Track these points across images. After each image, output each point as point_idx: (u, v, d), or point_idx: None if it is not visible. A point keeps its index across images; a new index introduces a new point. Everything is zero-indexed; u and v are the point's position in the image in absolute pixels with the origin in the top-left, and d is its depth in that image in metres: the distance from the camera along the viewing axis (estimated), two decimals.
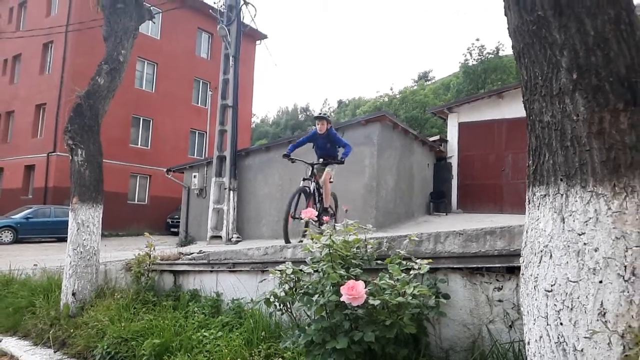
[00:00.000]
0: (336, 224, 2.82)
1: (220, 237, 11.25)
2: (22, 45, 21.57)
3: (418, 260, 2.34)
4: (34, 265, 6.63)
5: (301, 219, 4.62)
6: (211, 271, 4.11)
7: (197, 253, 4.60)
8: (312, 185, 5.71)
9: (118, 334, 3.76)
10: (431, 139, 15.83)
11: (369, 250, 2.72)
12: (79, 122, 5.29)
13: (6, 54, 23.32)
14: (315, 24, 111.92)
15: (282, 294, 2.53)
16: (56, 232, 15.63)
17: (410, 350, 2.50)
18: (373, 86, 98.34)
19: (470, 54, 27.73)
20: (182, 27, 23.55)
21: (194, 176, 14.14)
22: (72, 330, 4.32)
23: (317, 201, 5.79)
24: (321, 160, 6.04)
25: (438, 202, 14.56)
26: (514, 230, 2.35)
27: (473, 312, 2.51)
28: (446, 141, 15.65)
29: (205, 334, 3.52)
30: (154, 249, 4.84)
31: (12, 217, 15.87)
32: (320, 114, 5.97)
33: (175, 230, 16.78)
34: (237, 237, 11.29)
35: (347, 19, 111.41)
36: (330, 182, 5.89)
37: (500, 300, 2.42)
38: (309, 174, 5.74)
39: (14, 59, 23.21)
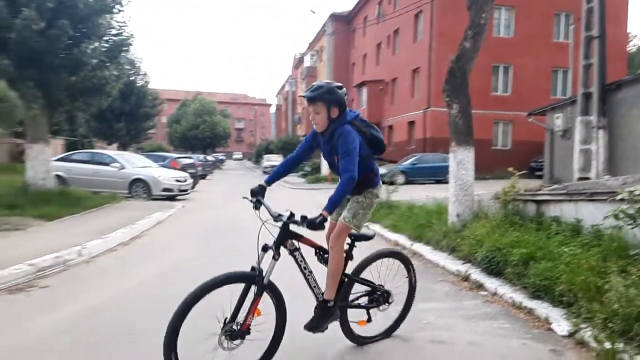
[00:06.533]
0: None
1: (588, 178, 10.77)
2: (398, 21, 25.85)
3: None
4: (427, 195, 8.81)
5: None
6: (569, 200, 4.63)
7: (557, 185, 5.16)
8: (270, 266, 2.49)
9: (492, 244, 4.93)
10: None
11: None
12: (452, 81, 6.67)
13: (388, 30, 28.50)
14: None
15: (631, 211, 2.94)
16: (435, 176, 18.77)
17: None
18: None
19: None
20: None
21: (557, 117, 13.74)
22: (458, 241, 5.84)
23: (311, 285, 2.73)
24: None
25: None
26: None
27: None
28: None
29: (565, 249, 4.19)
30: (517, 181, 5.73)
31: (403, 164, 20.08)
32: (308, 90, 2.65)
33: (540, 173, 16.85)
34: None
35: None
36: (352, 241, 2.76)
37: None
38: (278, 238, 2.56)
39: (394, 33, 28.13)
